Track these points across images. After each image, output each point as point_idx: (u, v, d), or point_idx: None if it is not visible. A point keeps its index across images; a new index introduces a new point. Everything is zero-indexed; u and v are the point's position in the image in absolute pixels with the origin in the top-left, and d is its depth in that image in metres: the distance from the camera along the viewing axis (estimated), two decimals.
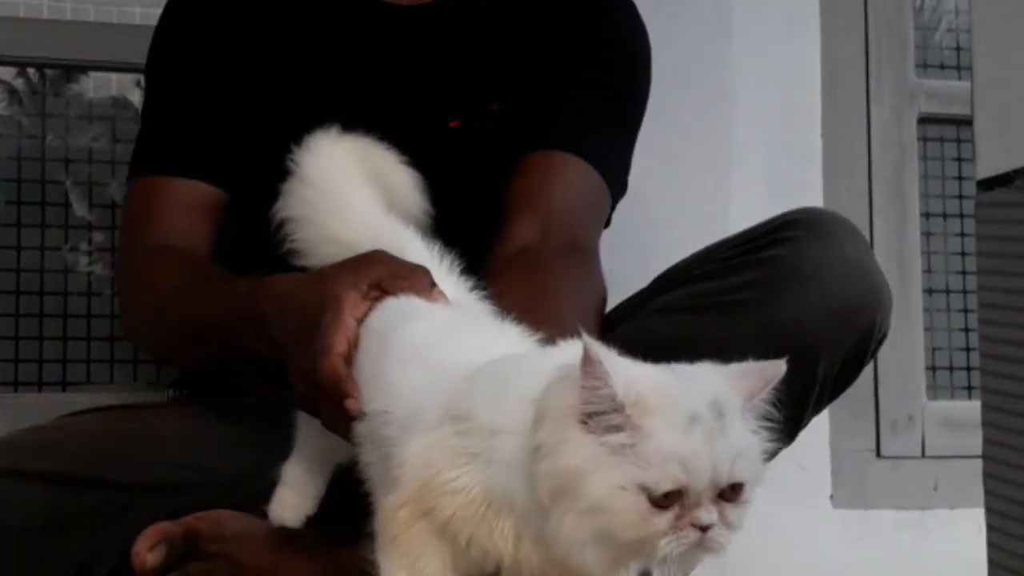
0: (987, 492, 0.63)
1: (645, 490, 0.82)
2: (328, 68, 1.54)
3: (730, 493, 0.85)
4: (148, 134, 1.57)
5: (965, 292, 2.36)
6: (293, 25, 1.56)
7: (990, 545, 0.63)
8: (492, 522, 0.89)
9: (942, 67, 2.38)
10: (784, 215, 1.36)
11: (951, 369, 2.34)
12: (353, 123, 1.31)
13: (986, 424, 0.63)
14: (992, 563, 0.63)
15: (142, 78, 2.00)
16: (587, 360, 0.83)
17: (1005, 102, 0.63)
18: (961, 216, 2.36)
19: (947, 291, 2.35)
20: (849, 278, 1.30)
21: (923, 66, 2.34)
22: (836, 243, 1.31)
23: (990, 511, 0.62)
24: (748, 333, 1.25)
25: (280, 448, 1.21)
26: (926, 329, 2.28)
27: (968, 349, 2.36)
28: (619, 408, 0.83)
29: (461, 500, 0.89)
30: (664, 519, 0.83)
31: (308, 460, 1.18)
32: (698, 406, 0.84)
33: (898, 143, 2.27)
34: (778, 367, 0.88)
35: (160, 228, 1.49)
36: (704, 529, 0.84)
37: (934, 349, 2.33)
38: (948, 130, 2.36)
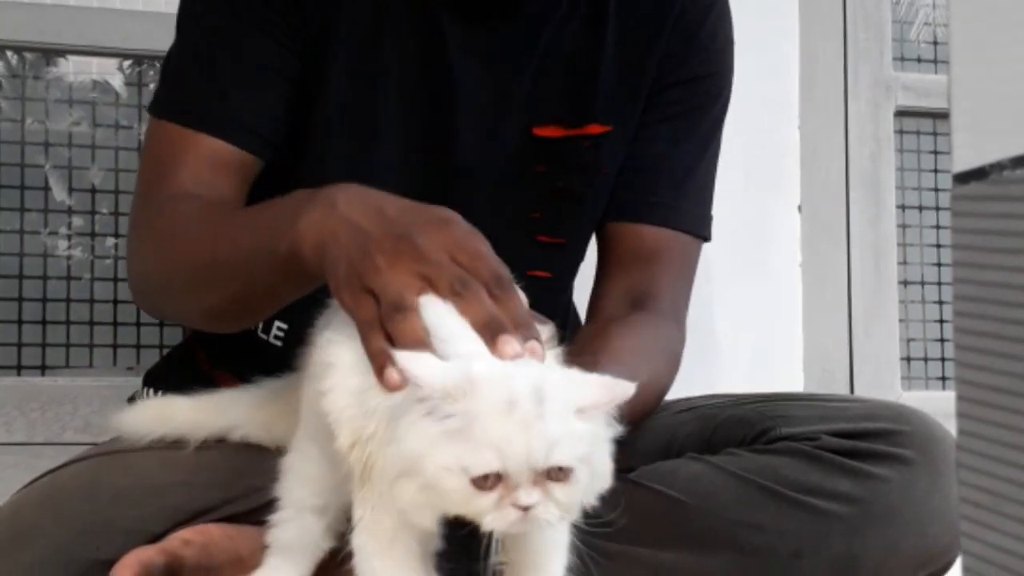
0: (961, 483, 0.63)
1: (466, 472, 0.86)
2: (395, 51, 1.39)
3: (558, 473, 0.88)
4: (182, 74, 1.39)
5: (940, 284, 2.37)
6: None
7: (964, 536, 0.63)
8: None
9: (919, 61, 2.38)
10: (898, 412, 1.27)
11: (926, 360, 2.36)
12: (418, 118, 1.29)
13: (961, 415, 0.63)
14: (966, 553, 0.63)
15: (122, 62, 2.00)
16: (411, 377, 0.88)
17: (982, 96, 0.63)
18: (936, 209, 2.37)
19: (922, 283, 2.37)
20: (946, 523, 1.22)
21: (900, 59, 2.35)
22: (944, 479, 1.22)
23: (965, 502, 0.63)
24: (825, 552, 1.20)
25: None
26: (901, 320, 2.29)
27: (942, 340, 2.37)
28: (450, 397, 0.87)
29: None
30: (488, 499, 0.87)
31: (300, 516, 1.11)
32: (519, 392, 0.87)
33: (875, 136, 2.27)
34: (628, 389, 0.91)
35: (183, 180, 1.33)
36: (526, 508, 0.87)
37: (909, 340, 2.34)
38: (924, 123, 2.37)
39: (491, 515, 0.88)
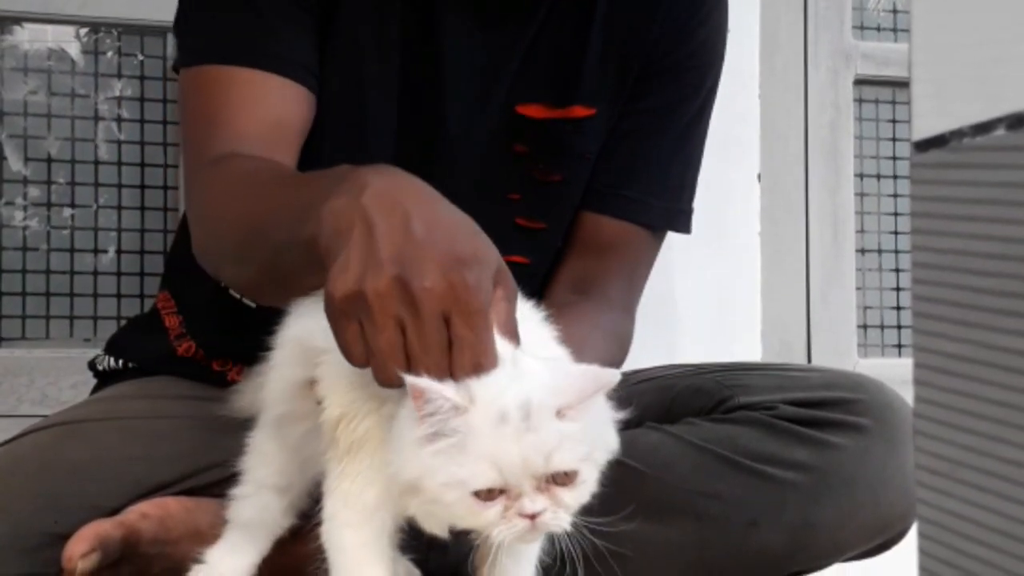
0: (918, 450, 0.63)
1: (465, 486, 0.87)
2: (388, 12, 1.35)
3: (563, 478, 0.88)
4: (218, 14, 1.29)
5: (897, 252, 2.38)
6: None
7: (921, 503, 0.63)
8: None
9: (879, 30, 2.39)
10: (855, 381, 1.28)
11: (882, 328, 2.37)
12: (410, 83, 1.26)
13: (918, 382, 0.63)
14: (922, 520, 0.63)
15: (79, 30, 1.97)
16: (416, 391, 0.87)
17: (942, 62, 0.63)
18: (894, 177, 2.38)
19: (879, 251, 2.38)
20: (902, 491, 1.23)
21: (860, 28, 2.35)
22: (900, 447, 1.23)
23: (921, 469, 0.63)
24: (781, 520, 1.21)
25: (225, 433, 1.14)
26: (858, 288, 2.31)
27: (899, 308, 2.38)
28: (456, 410, 0.87)
29: (375, 422, 0.94)
30: (493, 511, 0.88)
31: (261, 493, 1.10)
32: (508, 406, 0.87)
33: (834, 104, 2.28)
34: (613, 376, 0.90)
35: (240, 128, 1.24)
36: (532, 517, 0.88)
37: (866, 308, 2.35)
38: (883, 92, 2.37)
39: (499, 526, 0.88)
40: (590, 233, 1.44)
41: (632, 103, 1.44)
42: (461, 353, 0.88)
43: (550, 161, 1.42)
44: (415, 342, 0.88)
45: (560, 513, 0.89)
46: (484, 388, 0.88)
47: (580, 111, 1.42)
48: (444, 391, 0.87)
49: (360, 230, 0.89)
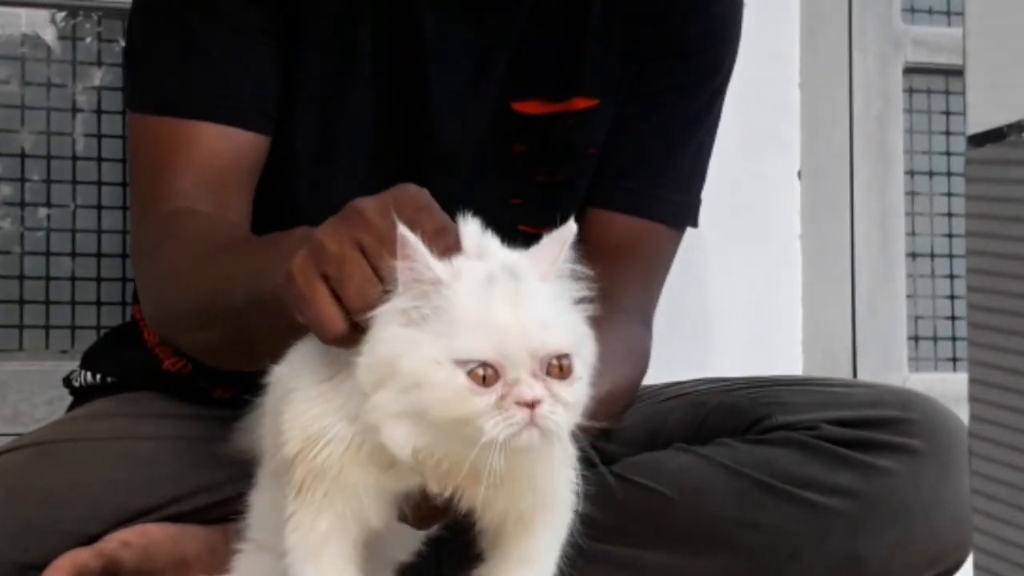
0: (973, 473, 0.63)
1: (461, 364, 0.86)
2: (366, 11, 1.37)
3: (557, 370, 0.88)
4: (158, 52, 1.33)
5: (951, 257, 2.38)
6: None
7: (976, 532, 0.63)
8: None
9: (930, 12, 2.38)
10: (904, 398, 1.28)
11: (935, 340, 2.36)
12: (390, 88, 1.27)
13: (973, 400, 0.64)
14: (979, 551, 0.63)
15: (55, 14, 1.98)
16: (404, 244, 0.87)
17: (999, 50, 0.63)
18: (948, 175, 2.37)
19: (932, 255, 2.37)
20: (956, 519, 1.22)
21: (910, 11, 2.35)
22: (954, 470, 1.22)
23: (976, 494, 0.63)
24: (825, 552, 1.21)
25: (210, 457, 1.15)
26: (909, 296, 2.30)
27: (953, 318, 2.38)
28: (435, 282, 0.87)
29: (339, 447, 0.94)
30: (486, 399, 0.86)
31: (259, 553, 1.10)
32: (493, 268, 0.89)
33: (882, 94, 2.27)
34: (568, 228, 0.93)
35: (184, 186, 1.28)
36: (532, 406, 0.86)
37: (917, 318, 2.34)
38: (936, 81, 2.36)
39: (493, 419, 0.86)
40: (598, 234, 1.43)
41: (638, 88, 1.43)
42: (419, 225, 0.91)
43: (552, 161, 1.42)
44: (375, 247, 0.91)
45: (559, 409, 0.87)
46: (466, 264, 0.90)
47: (582, 103, 1.41)
48: (430, 258, 0.87)
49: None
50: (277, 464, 1.05)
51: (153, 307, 1.29)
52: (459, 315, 0.87)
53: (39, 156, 1.96)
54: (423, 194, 0.97)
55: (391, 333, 0.88)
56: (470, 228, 0.93)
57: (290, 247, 0.99)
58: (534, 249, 0.94)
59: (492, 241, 0.94)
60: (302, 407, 0.97)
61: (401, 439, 0.90)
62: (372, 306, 0.90)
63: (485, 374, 0.86)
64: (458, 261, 0.91)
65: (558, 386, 0.88)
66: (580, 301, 0.94)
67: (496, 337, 0.86)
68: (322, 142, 1.37)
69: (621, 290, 1.41)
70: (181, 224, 1.25)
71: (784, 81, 2.14)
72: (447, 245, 0.92)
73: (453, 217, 0.97)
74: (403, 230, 0.88)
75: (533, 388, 0.86)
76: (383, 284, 0.90)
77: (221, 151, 1.30)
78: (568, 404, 0.88)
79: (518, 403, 0.86)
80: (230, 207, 1.29)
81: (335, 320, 0.92)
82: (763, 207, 2.12)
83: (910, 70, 2.31)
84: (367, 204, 0.95)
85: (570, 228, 0.93)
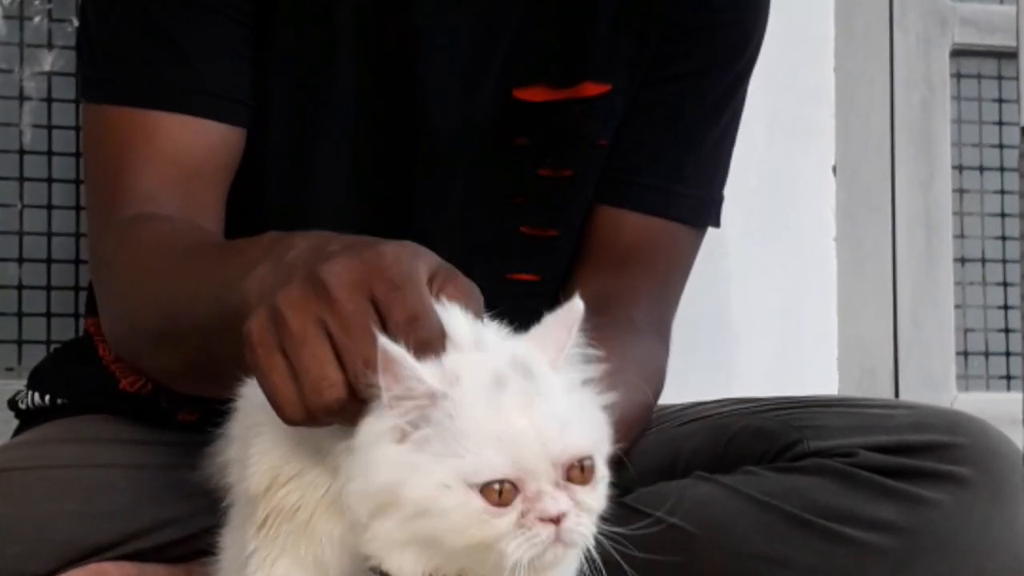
0: None
1: (473, 485, 0.84)
2: None
3: (578, 474, 0.86)
4: (118, 37, 1.32)
5: (1004, 262, 2.39)
6: None
7: None
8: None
9: None
10: (952, 421, 1.27)
11: (986, 355, 2.37)
12: (376, 78, 1.28)
13: None
14: None
15: None
16: (387, 359, 0.84)
17: None
18: (1001, 170, 2.38)
19: (983, 260, 2.38)
20: (1011, 554, 1.22)
21: None
22: (1007, 502, 1.23)
23: None
24: None
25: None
26: (957, 307, 2.31)
27: (1007, 331, 2.39)
28: (431, 395, 0.85)
29: (312, 494, 0.93)
30: (506, 519, 0.85)
31: None
32: (499, 366, 0.86)
33: (926, 80, 2.28)
34: (575, 308, 0.91)
35: (145, 186, 1.28)
36: (556, 521, 0.85)
37: (967, 331, 2.35)
38: (987, 65, 2.37)
39: (515, 541, 0.85)
40: (608, 236, 1.43)
41: (655, 71, 1.43)
42: (390, 313, 0.88)
43: (558, 154, 1.42)
44: (339, 333, 0.88)
45: (583, 517, 0.87)
46: (462, 362, 0.87)
47: (591, 88, 1.41)
48: (420, 370, 0.85)
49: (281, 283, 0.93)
50: (239, 495, 1.04)
51: (112, 325, 1.29)
52: (466, 428, 0.85)
53: None
54: (402, 264, 0.92)
55: (385, 455, 0.86)
56: (455, 313, 0.90)
57: (257, 256, 0.98)
58: (537, 332, 0.92)
59: (484, 328, 0.92)
60: (271, 443, 0.95)
61: (409, 567, 0.89)
62: (329, 409, 0.88)
63: (502, 490, 0.85)
64: (451, 359, 0.88)
65: (581, 492, 0.87)
66: (587, 383, 0.92)
67: (512, 449, 0.85)
68: (297, 136, 1.38)
69: (634, 300, 1.41)
70: (143, 230, 1.25)
71: (817, 64, 2.15)
72: (424, 339, 0.89)
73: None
74: (384, 342, 0.85)
75: (558, 502, 0.85)
76: (345, 374, 0.88)
77: (191, 146, 1.30)
78: (592, 511, 0.88)
79: (542, 519, 0.85)
80: (201, 209, 1.29)
81: (292, 405, 0.90)
82: (793, 205, 2.12)
83: (958, 52, 2.32)
84: (335, 274, 0.90)
85: (576, 308, 0.91)
